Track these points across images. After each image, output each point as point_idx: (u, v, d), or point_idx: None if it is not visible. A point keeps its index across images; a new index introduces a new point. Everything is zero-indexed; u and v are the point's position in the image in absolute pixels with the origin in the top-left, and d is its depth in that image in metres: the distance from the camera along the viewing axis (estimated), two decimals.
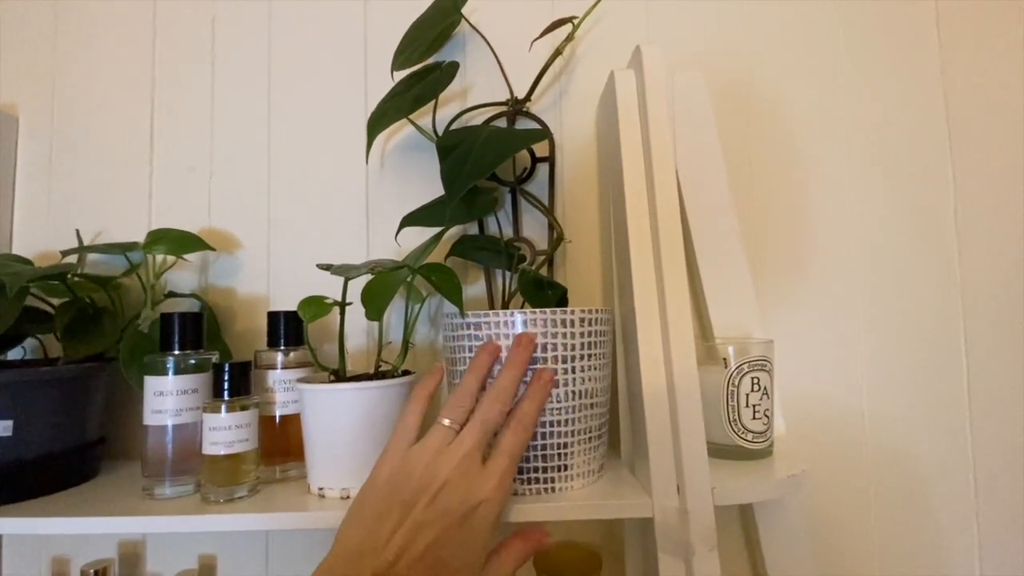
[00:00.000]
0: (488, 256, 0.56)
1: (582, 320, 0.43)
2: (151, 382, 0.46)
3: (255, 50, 0.62)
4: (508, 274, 0.55)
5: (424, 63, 0.54)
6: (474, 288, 0.60)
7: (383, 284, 0.45)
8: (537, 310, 0.42)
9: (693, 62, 0.60)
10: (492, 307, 0.57)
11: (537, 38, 0.55)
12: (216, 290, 0.60)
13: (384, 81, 0.59)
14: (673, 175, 0.46)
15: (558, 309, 0.42)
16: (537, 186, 0.59)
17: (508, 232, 0.59)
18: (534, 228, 0.60)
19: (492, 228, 0.58)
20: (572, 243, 0.59)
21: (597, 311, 0.44)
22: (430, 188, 0.60)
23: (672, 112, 0.48)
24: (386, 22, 0.61)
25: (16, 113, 0.62)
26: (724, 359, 0.48)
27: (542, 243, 0.59)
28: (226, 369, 0.44)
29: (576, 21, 0.54)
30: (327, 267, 0.43)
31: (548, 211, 0.56)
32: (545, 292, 0.44)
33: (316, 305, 0.44)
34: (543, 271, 0.56)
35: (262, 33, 0.62)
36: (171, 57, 0.62)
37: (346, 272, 0.41)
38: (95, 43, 0.62)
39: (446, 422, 0.38)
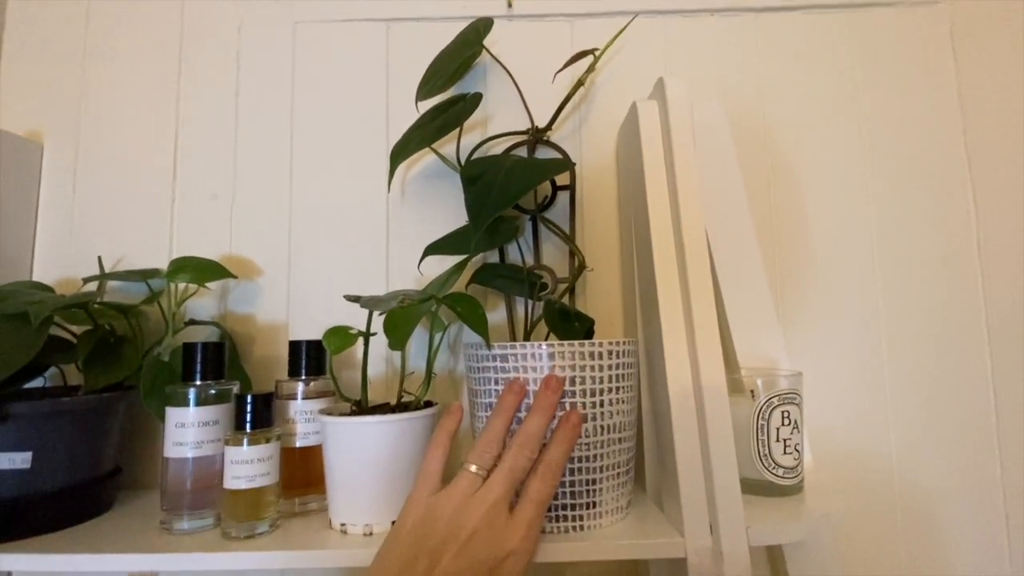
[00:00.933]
0: (509, 284, 0.55)
1: (610, 352, 0.43)
2: (172, 413, 0.45)
3: (279, 80, 0.62)
4: (529, 302, 0.55)
5: (448, 94, 0.55)
6: (494, 315, 0.59)
7: (406, 314, 0.45)
8: (564, 343, 0.42)
9: (711, 91, 0.61)
10: (513, 335, 0.57)
11: (560, 70, 0.55)
12: (235, 317, 0.60)
13: (405, 111, 0.59)
14: (699, 208, 0.46)
15: (586, 342, 0.42)
16: (557, 213, 0.59)
17: (529, 259, 0.58)
18: (554, 255, 0.60)
19: (513, 255, 0.58)
20: (593, 271, 0.58)
21: (625, 343, 0.44)
22: (450, 214, 0.60)
23: (695, 144, 0.48)
24: (408, 53, 0.62)
25: (41, 140, 0.62)
26: (752, 391, 0.47)
27: (562, 270, 0.59)
28: (249, 401, 0.44)
29: (597, 53, 0.55)
30: (355, 299, 0.43)
31: (569, 239, 0.56)
32: (572, 324, 0.44)
33: (342, 336, 0.44)
34: (564, 299, 0.56)
35: (286, 64, 0.63)
36: (196, 85, 0.63)
37: (375, 305, 0.41)
38: (122, 71, 0.63)
39: (473, 468, 0.37)
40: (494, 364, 0.43)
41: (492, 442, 0.38)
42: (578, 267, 0.55)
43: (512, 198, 0.46)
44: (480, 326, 0.43)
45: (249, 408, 0.44)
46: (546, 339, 0.52)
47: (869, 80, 0.61)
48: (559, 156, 0.59)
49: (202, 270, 0.53)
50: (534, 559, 0.38)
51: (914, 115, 0.61)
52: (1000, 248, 0.58)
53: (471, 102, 0.52)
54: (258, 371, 0.58)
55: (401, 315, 0.44)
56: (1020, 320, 0.58)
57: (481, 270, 0.56)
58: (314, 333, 0.59)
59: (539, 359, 0.42)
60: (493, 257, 0.59)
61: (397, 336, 0.46)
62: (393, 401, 0.49)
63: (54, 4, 0.64)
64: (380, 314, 0.42)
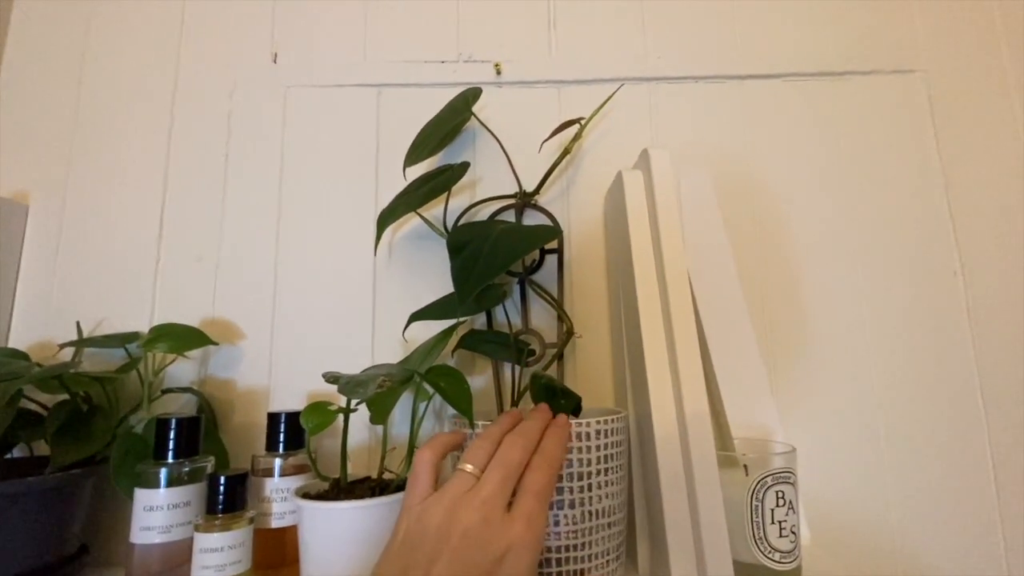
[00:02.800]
0: (496, 349, 0.54)
1: (598, 432, 0.41)
2: (141, 495, 0.43)
3: (268, 143, 0.63)
4: (517, 367, 0.53)
5: (437, 159, 0.56)
6: (481, 379, 0.58)
7: (387, 392, 0.44)
8: None
9: (695, 156, 0.61)
10: (500, 402, 0.55)
11: (546, 139, 0.56)
12: (215, 382, 0.58)
13: (394, 175, 0.60)
14: (686, 281, 0.46)
15: (572, 420, 0.41)
16: (545, 276, 0.59)
17: (516, 321, 0.58)
18: (543, 317, 0.59)
19: (500, 318, 0.57)
20: (582, 337, 0.57)
21: (613, 420, 0.42)
22: (437, 276, 0.60)
23: (680, 214, 0.48)
24: (398, 118, 0.63)
25: (27, 202, 0.62)
26: (745, 466, 0.46)
27: (550, 333, 0.58)
28: (222, 483, 0.42)
29: (583, 122, 0.56)
30: (334, 380, 0.42)
31: (558, 304, 0.56)
32: (558, 401, 0.43)
33: (320, 414, 0.42)
34: (553, 366, 0.55)
35: (276, 128, 0.63)
36: (186, 147, 0.63)
37: (353, 391, 0.40)
38: (112, 132, 0.63)
39: (468, 467, 0.35)
40: None
41: (488, 440, 0.36)
42: (566, 333, 0.54)
43: (498, 269, 0.45)
44: (464, 403, 0.42)
45: (222, 490, 0.42)
46: None
47: (851, 145, 0.62)
48: (547, 220, 0.59)
49: (181, 339, 0.52)
50: (540, 556, 0.35)
51: (897, 179, 0.62)
52: (988, 311, 0.58)
53: (459, 171, 0.53)
54: (237, 438, 0.56)
55: (382, 393, 0.43)
56: (1014, 384, 0.57)
57: (468, 335, 0.55)
58: (296, 399, 0.58)
59: None
60: (480, 320, 0.58)
61: (378, 412, 0.45)
62: (375, 475, 0.48)
63: (47, 65, 0.65)
64: (361, 400, 0.41)
